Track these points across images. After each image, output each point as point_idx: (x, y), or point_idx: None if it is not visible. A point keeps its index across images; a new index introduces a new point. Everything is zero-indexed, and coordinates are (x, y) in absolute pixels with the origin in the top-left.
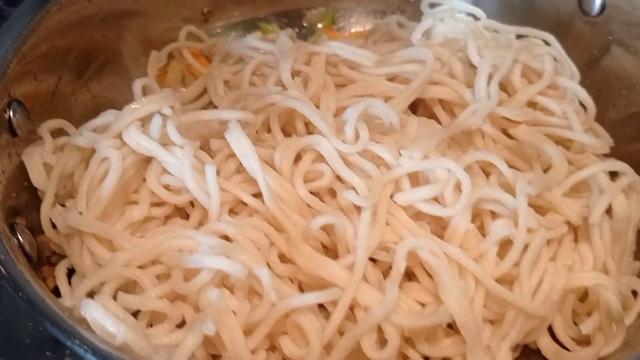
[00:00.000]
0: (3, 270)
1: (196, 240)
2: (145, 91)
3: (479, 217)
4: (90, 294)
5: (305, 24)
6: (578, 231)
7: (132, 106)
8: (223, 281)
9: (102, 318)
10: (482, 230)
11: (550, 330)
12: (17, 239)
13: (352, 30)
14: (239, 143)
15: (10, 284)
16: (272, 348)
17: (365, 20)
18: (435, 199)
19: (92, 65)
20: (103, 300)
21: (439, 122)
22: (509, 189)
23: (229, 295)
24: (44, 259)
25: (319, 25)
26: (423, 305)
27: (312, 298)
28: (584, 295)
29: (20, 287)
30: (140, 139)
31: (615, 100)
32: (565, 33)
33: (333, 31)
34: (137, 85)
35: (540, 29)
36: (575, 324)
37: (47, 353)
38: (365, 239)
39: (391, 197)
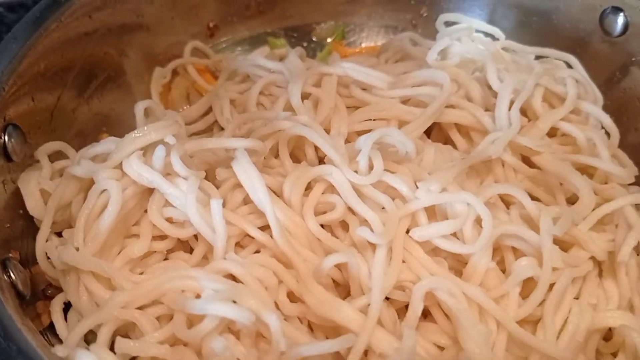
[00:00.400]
0: None
1: (201, 283)
2: (148, 113)
3: (499, 251)
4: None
5: (314, 39)
6: (602, 266)
7: (134, 135)
8: (229, 325)
9: None
10: (501, 265)
11: None
12: (9, 277)
13: (363, 45)
14: (247, 174)
15: (0, 334)
16: None
17: (377, 35)
18: (454, 234)
19: (94, 83)
20: (99, 351)
21: (454, 146)
22: (531, 221)
23: (235, 341)
24: (38, 292)
25: (329, 40)
26: (441, 348)
27: (325, 347)
28: (608, 334)
29: (10, 337)
30: (141, 170)
31: (637, 123)
32: (584, 52)
33: (343, 46)
34: (139, 108)
35: (558, 48)
36: None
37: None
38: (381, 279)
39: (407, 231)
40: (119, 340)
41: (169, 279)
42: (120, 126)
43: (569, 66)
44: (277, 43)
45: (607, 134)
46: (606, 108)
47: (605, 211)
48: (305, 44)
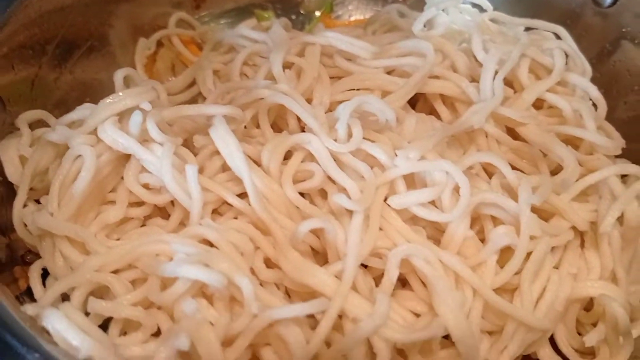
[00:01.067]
0: None
1: (173, 247)
2: (128, 82)
3: (478, 221)
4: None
5: (302, 11)
6: (585, 236)
7: (108, 100)
8: (202, 290)
9: (65, 330)
10: (481, 235)
11: (552, 339)
12: None
13: (352, 19)
14: (224, 141)
15: None
16: (254, 358)
17: (365, 7)
18: (432, 203)
19: (76, 53)
20: (68, 310)
21: (439, 117)
22: (512, 191)
23: (207, 305)
24: (17, 258)
25: (317, 13)
26: (417, 315)
27: (297, 310)
28: (589, 304)
29: None
30: (116, 135)
31: (627, 97)
32: (575, 24)
33: (331, 19)
34: (119, 76)
35: (548, 20)
36: (580, 334)
37: None
38: (357, 246)
39: (385, 200)
40: (92, 301)
41: (143, 243)
42: (104, 96)
43: (558, 38)
44: (264, 15)
45: (595, 106)
46: (596, 81)
47: (589, 181)
48: (293, 17)
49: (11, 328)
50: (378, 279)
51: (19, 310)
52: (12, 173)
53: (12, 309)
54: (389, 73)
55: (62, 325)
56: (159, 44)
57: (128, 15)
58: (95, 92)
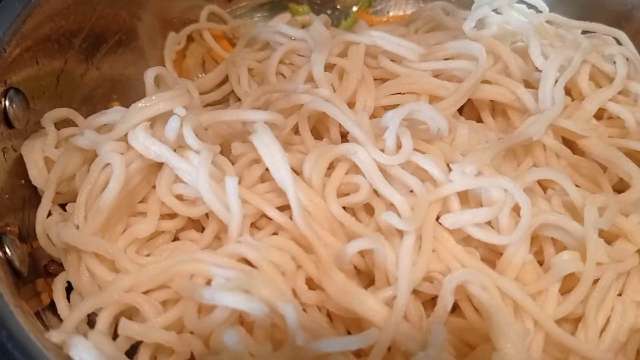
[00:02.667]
0: None
1: (211, 270)
2: (159, 81)
3: (536, 240)
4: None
5: (338, 6)
6: None
7: (140, 104)
8: (242, 315)
9: None
10: (538, 256)
11: None
12: (5, 252)
13: (391, 14)
14: (269, 149)
15: None
16: None
17: (405, 3)
18: (488, 223)
19: (104, 47)
20: (96, 338)
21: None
22: (574, 210)
23: (246, 334)
24: (39, 268)
25: (354, 8)
26: (471, 347)
27: (346, 343)
28: None
29: (1, 321)
30: (148, 143)
31: None
32: (630, 26)
33: (369, 14)
34: (149, 75)
35: (602, 21)
36: None
37: None
38: (409, 270)
39: (437, 218)
40: (123, 322)
41: (177, 262)
42: (131, 93)
43: (619, 43)
44: (300, 10)
45: None
46: None
47: None
48: (329, 12)
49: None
50: (426, 304)
51: (43, 338)
52: (36, 176)
53: (35, 337)
54: (436, 76)
55: (90, 357)
56: (189, 38)
57: (157, 8)
58: (123, 88)
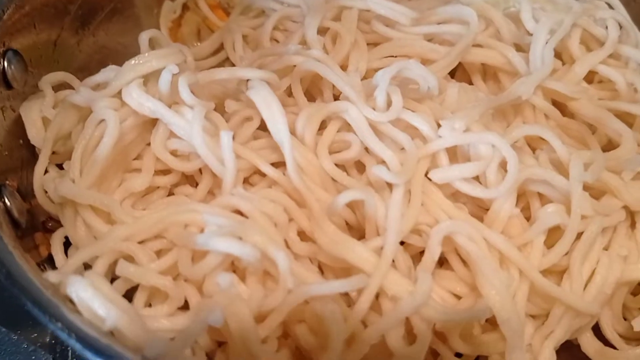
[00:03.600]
0: None
1: (204, 217)
2: (154, 44)
3: (523, 198)
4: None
5: None
6: (636, 217)
7: (133, 62)
8: (235, 263)
9: (91, 299)
10: (526, 213)
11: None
12: (4, 202)
13: None
14: (267, 103)
15: None
16: (284, 335)
17: None
18: (476, 178)
19: (99, 14)
20: (93, 277)
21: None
22: (560, 166)
23: (238, 280)
24: (38, 224)
25: None
26: (458, 297)
27: (335, 287)
28: (637, 288)
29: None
30: (142, 99)
31: None
32: None
33: None
34: (144, 38)
35: None
36: (625, 319)
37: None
38: (397, 221)
39: (426, 173)
40: (121, 263)
41: (172, 213)
42: (127, 60)
43: (610, 7)
44: None
45: None
46: None
47: None
48: None
49: (32, 295)
50: (415, 257)
51: (41, 277)
52: (35, 135)
53: (33, 276)
54: (428, 40)
55: (87, 294)
56: (185, 7)
57: None
58: (118, 56)
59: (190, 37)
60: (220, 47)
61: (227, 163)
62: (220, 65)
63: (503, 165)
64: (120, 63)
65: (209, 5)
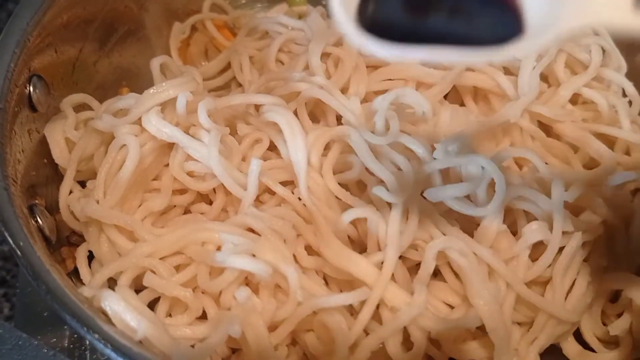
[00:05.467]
0: (22, 257)
1: (221, 237)
2: (164, 69)
3: (511, 213)
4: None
5: None
6: (615, 229)
7: (152, 91)
8: (248, 277)
9: (123, 311)
10: (513, 227)
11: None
12: (37, 221)
13: None
14: (290, 126)
15: (29, 272)
16: (293, 342)
17: None
18: (467, 196)
19: (114, 37)
20: (123, 292)
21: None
22: (545, 184)
23: (252, 293)
24: (63, 239)
25: None
26: (451, 306)
27: (341, 299)
28: (615, 296)
29: (39, 277)
30: (160, 125)
31: None
32: None
33: None
34: (155, 65)
35: None
36: (604, 324)
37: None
38: (397, 237)
39: (422, 192)
40: (148, 275)
41: (190, 231)
42: (139, 79)
43: (595, 33)
44: (297, 0)
45: (629, 101)
46: (626, 74)
47: (632, 178)
48: (324, 2)
49: (71, 309)
50: (412, 269)
51: (76, 292)
52: (59, 155)
53: (69, 291)
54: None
55: (120, 307)
56: (193, 28)
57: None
58: (132, 75)
59: (198, 56)
60: (227, 67)
61: (250, 187)
62: (227, 84)
63: (492, 184)
64: (133, 82)
65: (216, 26)
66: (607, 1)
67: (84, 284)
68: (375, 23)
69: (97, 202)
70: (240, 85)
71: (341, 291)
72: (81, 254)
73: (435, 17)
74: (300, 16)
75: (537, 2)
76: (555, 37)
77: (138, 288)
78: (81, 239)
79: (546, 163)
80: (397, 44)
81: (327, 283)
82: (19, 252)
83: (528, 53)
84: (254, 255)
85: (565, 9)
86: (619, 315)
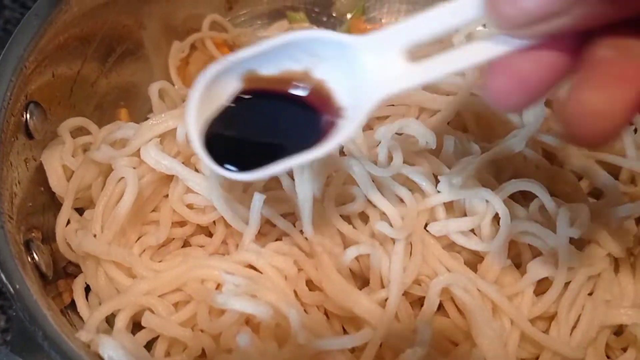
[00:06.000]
0: (18, 301)
1: (222, 276)
2: (163, 94)
3: (514, 245)
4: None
5: (334, 14)
6: (620, 261)
7: (150, 122)
8: (249, 318)
9: (121, 359)
10: (517, 259)
11: None
12: (33, 258)
13: (383, 21)
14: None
15: (26, 318)
16: None
17: (398, 10)
18: (471, 230)
19: (112, 57)
20: (122, 337)
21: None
22: (550, 217)
23: (253, 333)
24: (59, 270)
25: (348, 16)
26: (454, 344)
27: (344, 342)
28: (620, 328)
29: (36, 322)
30: (159, 157)
31: None
32: None
33: (362, 22)
34: (154, 90)
35: None
36: (608, 358)
37: None
38: (400, 273)
39: (425, 226)
40: (147, 315)
41: (190, 268)
42: (138, 100)
43: None
44: (297, 17)
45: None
46: None
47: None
48: (324, 19)
49: (68, 357)
50: (414, 303)
51: (73, 337)
52: (56, 184)
53: (66, 336)
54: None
55: (117, 354)
56: (192, 47)
57: (162, 18)
58: (130, 95)
59: (197, 75)
60: None
61: (252, 222)
62: None
63: (497, 217)
64: (131, 101)
65: (215, 44)
66: (388, 68)
67: (81, 318)
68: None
69: (95, 236)
70: None
71: (343, 327)
72: (78, 287)
73: (266, 140)
74: None
75: (345, 95)
76: (365, 117)
77: (137, 322)
78: (78, 269)
79: (552, 193)
80: (241, 169)
81: (328, 317)
82: (15, 296)
83: (349, 137)
84: (255, 296)
85: (365, 93)
86: (624, 350)
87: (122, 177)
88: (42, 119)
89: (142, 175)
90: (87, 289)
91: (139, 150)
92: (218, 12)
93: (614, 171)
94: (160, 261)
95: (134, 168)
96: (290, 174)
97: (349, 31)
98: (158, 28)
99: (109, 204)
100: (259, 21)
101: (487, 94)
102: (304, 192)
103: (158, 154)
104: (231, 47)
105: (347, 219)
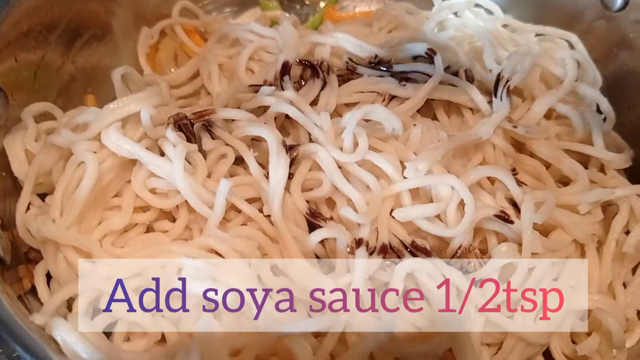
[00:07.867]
0: None
1: (183, 261)
2: (127, 79)
3: (481, 231)
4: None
5: (307, 2)
6: (585, 247)
7: (112, 106)
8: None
9: (75, 342)
10: (483, 245)
11: None
12: None
13: (357, 10)
14: (277, 144)
15: None
16: None
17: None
18: (437, 216)
19: (79, 42)
20: (74, 320)
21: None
22: (516, 203)
23: (213, 318)
24: (20, 255)
25: (322, 4)
26: (419, 329)
27: (305, 326)
28: (584, 314)
29: None
30: (120, 141)
31: (630, 101)
32: (581, 26)
33: (336, 11)
34: (117, 76)
35: (556, 21)
36: (574, 342)
37: None
38: (366, 259)
39: (391, 212)
40: (105, 299)
41: (150, 253)
42: (105, 86)
43: (571, 45)
44: (270, 5)
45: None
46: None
47: (609, 196)
48: (297, 7)
49: (21, 340)
50: (379, 288)
51: (28, 320)
52: (18, 168)
53: (20, 319)
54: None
55: (71, 338)
56: (162, 33)
57: (131, 3)
58: (98, 81)
59: (167, 61)
60: (197, 74)
61: (217, 208)
62: (196, 91)
63: (462, 204)
64: (98, 87)
65: (186, 31)
66: None
67: (42, 304)
68: None
69: (54, 220)
70: (209, 93)
71: (308, 312)
72: (39, 272)
73: None
74: (273, 21)
75: None
76: None
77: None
78: (39, 255)
79: (520, 181)
80: None
81: (292, 303)
82: None
83: None
84: (215, 280)
85: None
86: (589, 334)
87: (82, 162)
88: (3, 104)
89: (103, 160)
90: (49, 277)
91: (100, 134)
92: None
93: (584, 160)
94: (122, 247)
95: (95, 152)
96: (258, 160)
97: (322, 19)
98: (127, 14)
99: (68, 189)
100: (229, 8)
101: None
102: (278, 177)
103: (119, 137)
104: (202, 34)
105: (314, 204)
